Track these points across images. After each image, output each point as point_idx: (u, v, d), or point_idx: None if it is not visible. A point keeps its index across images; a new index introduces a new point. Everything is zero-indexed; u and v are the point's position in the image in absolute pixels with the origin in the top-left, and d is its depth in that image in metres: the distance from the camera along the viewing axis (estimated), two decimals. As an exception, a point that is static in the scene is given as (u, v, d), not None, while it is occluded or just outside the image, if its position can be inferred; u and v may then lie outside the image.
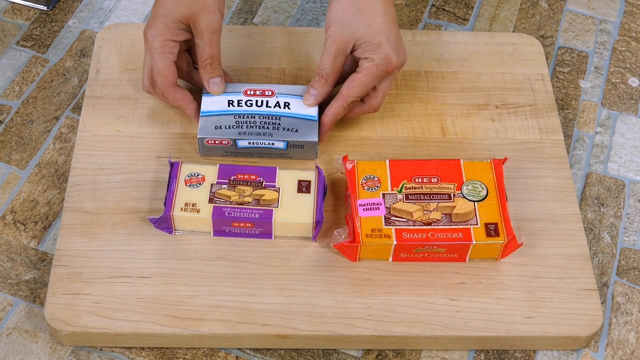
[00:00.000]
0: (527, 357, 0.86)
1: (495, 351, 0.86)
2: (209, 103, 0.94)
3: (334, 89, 0.93)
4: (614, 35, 1.14)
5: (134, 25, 1.07)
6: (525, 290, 0.87)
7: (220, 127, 0.93)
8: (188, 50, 0.96)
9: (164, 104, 0.99)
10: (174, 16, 0.89)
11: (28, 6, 1.12)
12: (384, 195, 0.88)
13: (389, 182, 0.89)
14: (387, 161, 0.91)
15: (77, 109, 1.02)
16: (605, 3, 1.17)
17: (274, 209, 0.87)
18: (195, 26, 0.90)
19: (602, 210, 0.97)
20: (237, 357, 0.85)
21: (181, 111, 0.99)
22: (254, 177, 0.90)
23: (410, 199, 0.88)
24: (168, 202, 0.87)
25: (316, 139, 0.93)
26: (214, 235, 0.89)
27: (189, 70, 0.97)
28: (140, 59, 1.03)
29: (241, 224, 0.87)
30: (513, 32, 1.13)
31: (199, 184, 0.89)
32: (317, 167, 0.91)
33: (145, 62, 0.92)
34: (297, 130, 0.93)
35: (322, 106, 0.94)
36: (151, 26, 0.90)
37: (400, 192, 0.88)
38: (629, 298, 0.91)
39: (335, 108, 0.92)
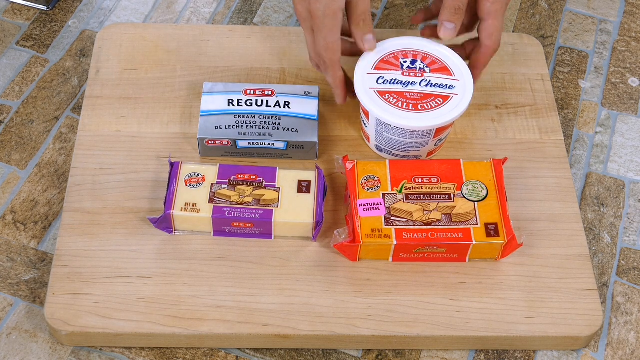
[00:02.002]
0: (527, 357, 0.86)
1: (495, 351, 0.87)
2: (208, 103, 0.94)
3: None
4: (614, 35, 1.14)
5: (134, 25, 1.07)
6: (525, 291, 0.87)
7: (220, 126, 0.93)
8: None
9: (163, 104, 0.99)
10: None
11: (28, 6, 1.12)
12: (384, 195, 0.88)
13: (389, 182, 0.89)
14: (387, 161, 0.91)
15: (77, 109, 1.02)
16: (605, 3, 1.17)
17: (274, 209, 0.87)
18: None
19: (602, 210, 0.97)
20: (237, 357, 0.85)
21: (181, 111, 0.99)
22: (254, 177, 0.90)
23: (410, 199, 0.88)
24: (168, 202, 0.87)
25: (316, 139, 0.93)
26: (214, 235, 0.89)
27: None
28: (140, 59, 1.03)
29: (241, 224, 0.87)
30: (513, 32, 1.13)
31: (199, 183, 0.89)
32: (317, 167, 0.91)
33: (308, 38, 0.90)
34: (297, 130, 0.93)
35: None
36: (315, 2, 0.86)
37: (400, 192, 0.88)
38: (629, 298, 0.91)
39: (484, 63, 0.93)
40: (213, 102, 0.95)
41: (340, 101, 0.95)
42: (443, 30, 0.91)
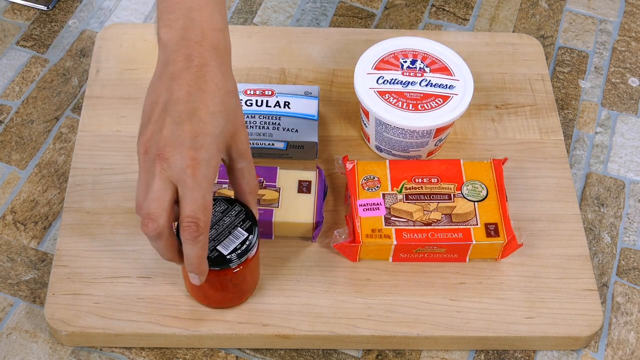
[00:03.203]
0: (527, 357, 0.86)
1: (495, 351, 0.87)
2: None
3: None
4: (614, 35, 1.14)
5: (134, 25, 1.07)
6: (525, 291, 0.87)
7: (220, 127, 0.93)
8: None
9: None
10: (224, 137, 0.70)
11: (28, 6, 1.12)
12: (384, 195, 0.88)
13: (389, 182, 0.89)
14: (387, 161, 0.91)
15: (77, 109, 1.02)
16: (605, 3, 1.17)
17: (274, 209, 0.87)
18: (238, 146, 0.73)
19: (602, 210, 0.97)
20: (237, 357, 0.85)
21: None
22: (254, 177, 0.90)
23: (410, 199, 0.88)
24: (168, 202, 0.87)
25: (316, 139, 0.93)
26: (214, 235, 0.89)
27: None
28: (140, 59, 1.03)
29: (241, 224, 0.87)
30: (513, 32, 1.13)
31: (199, 184, 0.89)
32: (317, 168, 0.91)
33: (162, 190, 0.69)
34: (297, 130, 0.93)
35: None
36: (204, 148, 0.68)
37: (400, 192, 0.88)
38: (629, 298, 0.91)
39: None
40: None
41: (202, 281, 0.76)
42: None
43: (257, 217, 0.79)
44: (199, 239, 0.70)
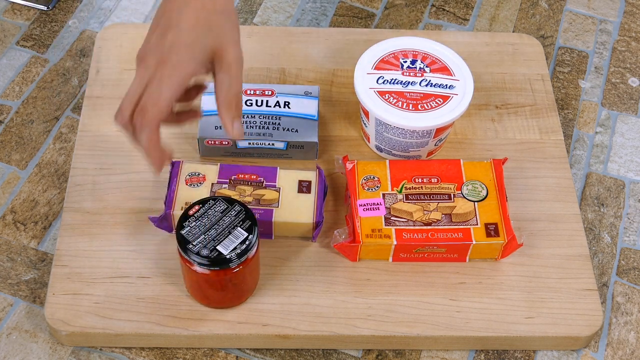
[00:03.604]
0: (527, 357, 0.86)
1: (495, 351, 0.87)
2: (209, 103, 0.94)
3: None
4: (614, 35, 1.14)
5: (134, 25, 1.07)
6: (525, 291, 0.87)
7: (220, 127, 0.93)
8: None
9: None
10: (202, 47, 0.77)
11: (28, 6, 1.12)
12: (384, 195, 0.88)
13: (389, 182, 0.89)
14: (387, 161, 0.91)
15: (77, 109, 1.02)
16: (605, 3, 1.17)
17: (274, 208, 0.87)
18: (224, 59, 0.78)
19: (602, 210, 0.97)
20: (237, 357, 0.85)
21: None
22: (255, 176, 0.90)
23: (410, 199, 0.88)
24: (168, 201, 0.87)
25: (316, 139, 0.93)
26: (214, 235, 0.89)
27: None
28: (140, 59, 1.03)
29: (241, 224, 0.87)
30: (513, 32, 1.13)
31: (200, 183, 0.89)
32: (317, 168, 0.91)
33: (135, 88, 0.77)
34: (297, 130, 0.93)
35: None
36: (174, 53, 0.76)
37: (400, 192, 0.88)
38: (629, 298, 0.91)
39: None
40: (213, 102, 0.94)
41: (157, 171, 0.79)
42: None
43: (231, 132, 0.81)
44: (143, 128, 0.76)
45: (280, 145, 0.93)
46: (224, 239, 0.78)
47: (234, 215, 0.80)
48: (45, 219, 0.93)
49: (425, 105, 0.91)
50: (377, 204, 0.88)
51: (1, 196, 0.94)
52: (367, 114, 0.92)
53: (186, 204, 0.87)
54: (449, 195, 0.88)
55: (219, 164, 0.91)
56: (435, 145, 0.94)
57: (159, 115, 0.76)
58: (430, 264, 0.88)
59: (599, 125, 1.04)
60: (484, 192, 0.89)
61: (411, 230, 0.86)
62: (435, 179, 0.89)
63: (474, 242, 0.86)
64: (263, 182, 0.89)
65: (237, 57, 0.79)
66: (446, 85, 0.93)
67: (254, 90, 0.96)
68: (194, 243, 0.78)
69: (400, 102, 0.91)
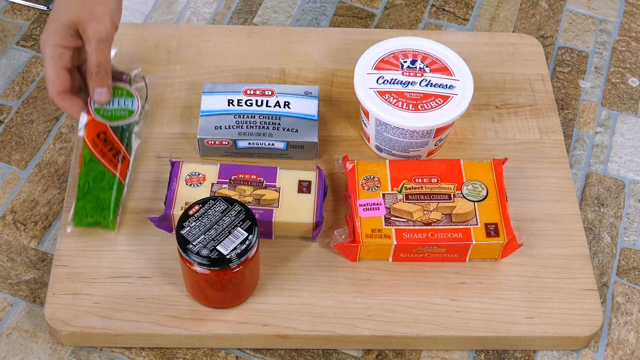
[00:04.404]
0: (527, 357, 0.86)
1: (495, 351, 0.87)
2: (208, 103, 0.94)
3: None
4: (614, 35, 1.14)
5: (133, 25, 1.07)
6: (525, 290, 0.87)
7: (220, 127, 0.93)
8: None
9: (163, 104, 0.99)
10: (62, 21, 0.85)
11: (28, 6, 1.12)
12: (384, 195, 0.88)
13: (389, 182, 0.89)
14: (387, 161, 0.91)
15: (77, 109, 1.02)
16: (605, 3, 1.17)
17: (274, 209, 0.87)
18: (84, 33, 0.86)
19: (602, 210, 0.97)
20: (237, 357, 0.85)
21: (181, 111, 0.99)
22: (255, 176, 0.90)
23: (410, 199, 0.88)
24: (168, 201, 0.87)
25: (316, 139, 0.93)
26: (214, 235, 0.89)
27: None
28: (140, 59, 1.03)
29: (241, 224, 0.87)
30: (513, 32, 1.13)
31: (200, 183, 0.89)
32: (317, 168, 0.91)
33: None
34: (297, 130, 0.93)
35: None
36: (44, 32, 0.86)
37: (400, 192, 0.88)
38: (629, 298, 0.91)
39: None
40: (213, 102, 0.95)
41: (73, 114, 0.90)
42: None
43: (93, 98, 0.88)
44: (54, 102, 0.88)
45: (280, 145, 0.93)
46: (224, 239, 0.78)
47: (234, 215, 0.80)
48: (45, 219, 0.93)
49: (425, 105, 0.91)
50: (377, 204, 0.88)
51: (1, 196, 0.94)
52: (367, 114, 0.92)
53: (186, 204, 0.87)
54: (449, 195, 0.88)
55: (219, 164, 0.91)
56: (435, 145, 0.94)
57: (52, 88, 0.87)
58: (430, 264, 0.88)
59: (599, 125, 1.04)
60: (484, 192, 0.89)
61: (411, 230, 0.86)
62: (435, 179, 0.89)
63: (474, 242, 0.86)
64: (263, 182, 0.89)
65: (95, 31, 0.86)
66: (446, 85, 0.93)
67: (254, 90, 0.96)
68: (194, 243, 0.78)
69: (400, 102, 0.91)
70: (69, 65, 0.87)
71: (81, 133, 0.90)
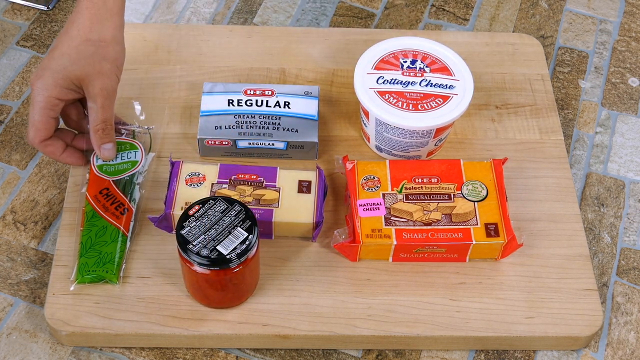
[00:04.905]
0: (527, 357, 0.86)
1: (495, 351, 0.87)
2: (208, 103, 0.94)
3: None
4: (614, 35, 1.14)
5: (133, 25, 1.07)
6: (525, 291, 0.87)
7: (220, 127, 0.93)
8: (80, 100, 0.91)
9: (163, 104, 0.99)
10: (66, 74, 0.85)
11: (28, 6, 1.12)
12: (384, 195, 0.88)
13: (389, 182, 0.89)
14: (387, 161, 0.91)
15: (77, 109, 1.02)
16: (605, 3, 1.17)
17: (274, 209, 0.87)
18: (89, 89, 0.86)
19: (602, 210, 0.97)
20: (237, 357, 0.85)
21: (181, 111, 0.99)
22: (255, 177, 0.90)
23: (410, 199, 0.88)
24: (168, 201, 0.87)
25: (316, 139, 0.93)
26: (214, 235, 0.89)
27: (78, 120, 0.92)
28: (140, 59, 1.03)
29: (241, 224, 0.87)
30: (513, 32, 1.13)
31: (200, 183, 0.89)
32: (317, 168, 0.91)
33: (30, 110, 0.87)
34: (297, 130, 0.93)
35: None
36: (40, 77, 0.85)
37: (400, 192, 0.88)
38: (629, 298, 0.91)
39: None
40: (213, 102, 0.95)
41: (78, 164, 0.92)
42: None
43: (100, 155, 0.89)
44: (33, 145, 0.88)
45: (280, 145, 0.93)
46: (224, 239, 0.78)
47: (234, 215, 0.80)
48: (45, 219, 0.93)
49: (425, 105, 0.91)
50: (377, 204, 0.88)
51: (1, 196, 0.94)
52: (367, 114, 0.92)
53: (186, 204, 0.87)
54: (449, 195, 0.88)
55: (219, 164, 0.91)
56: (435, 145, 0.94)
57: (36, 135, 0.87)
58: (430, 264, 0.88)
59: (599, 125, 1.04)
60: (484, 192, 0.89)
61: (411, 230, 0.86)
62: (435, 179, 0.89)
63: (474, 242, 0.86)
64: (263, 182, 0.89)
65: (102, 88, 0.86)
66: (446, 85, 0.93)
67: (254, 90, 0.96)
68: (194, 243, 0.78)
69: (400, 102, 0.91)
70: (57, 116, 0.87)
71: (84, 190, 0.90)
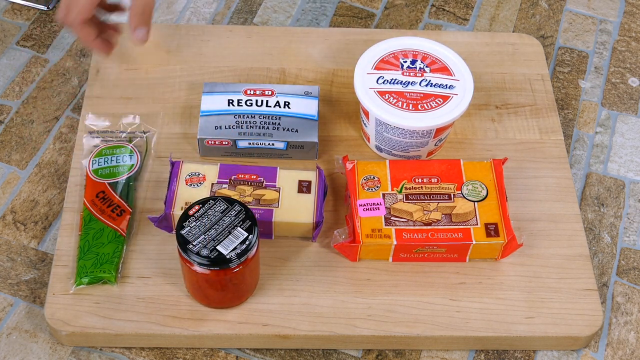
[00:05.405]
0: (527, 357, 0.86)
1: (495, 351, 0.87)
2: (208, 103, 0.94)
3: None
4: (614, 35, 1.14)
5: (134, 25, 1.07)
6: (525, 291, 0.87)
7: (220, 127, 0.93)
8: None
9: (163, 104, 0.99)
10: None
11: (28, 6, 1.12)
12: (384, 195, 0.88)
13: (389, 182, 0.89)
14: (387, 161, 0.91)
15: (77, 109, 1.02)
16: (605, 3, 1.17)
17: (274, 209, 0.87)
18: None
19: (602, 210, 0.97)
20: (237, 357, 0.85)
21: (181, 111, 0.99)
22: (255, 177, 0.90)
23: (410, 199, 0.88)
24: (168, 201, 0.87)
25: (316, 139, 0.93)
26: (214, 235, 0.89)
27: (99, 24, 0.96)
28: (140, 59, 1.03)
29: (241, 224, 0.87)
30: (513, 32, 1.13)
31: (200, 183, 0.89)
32: (317, 168, 0.91)
33: None
34: (297, 130, 0.93)
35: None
36: None
37: (400, 192, 0.88)
38: (629, 298, 0.91)
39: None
40: (213, 102, 0.95)
41: (105, 54, 0.97)
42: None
43: (133, 37, 0.93)
44: (71, 25, 0.91)
45: (280, 145, 0.93)
46: (224, 239, 0.78)
47: (234, 215, 0.80)
48: (45, 219, 0.93)
49: (425, 105, 0.91)
50: (377, 204, 0.88)
51: (1, 196, 0.94)
52: (367, 114, 0.92)
53: (186, 204, 0.87)
54: (449, 195, 0.88)
55: (219, 164, 0.91)
56: (435, 145, 0.94)
57: (80, 15, 0.90)
58: (430, 264, 0.88)
59: (599, 125, 1.04)
60: (484, 192, 0.89)
61: (411, 230, 0.86)
62: (435, 179, 0.89)
63: (474, 242, 0.86)
64: (263, 182, 0.89)
65: None
66: (446, 85, 0.93)
67: (254, 90, 0.96)
68: (194, 243, 0.78)
69: (400, 102, 0.91)
70: (98, 1, 0.91)
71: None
